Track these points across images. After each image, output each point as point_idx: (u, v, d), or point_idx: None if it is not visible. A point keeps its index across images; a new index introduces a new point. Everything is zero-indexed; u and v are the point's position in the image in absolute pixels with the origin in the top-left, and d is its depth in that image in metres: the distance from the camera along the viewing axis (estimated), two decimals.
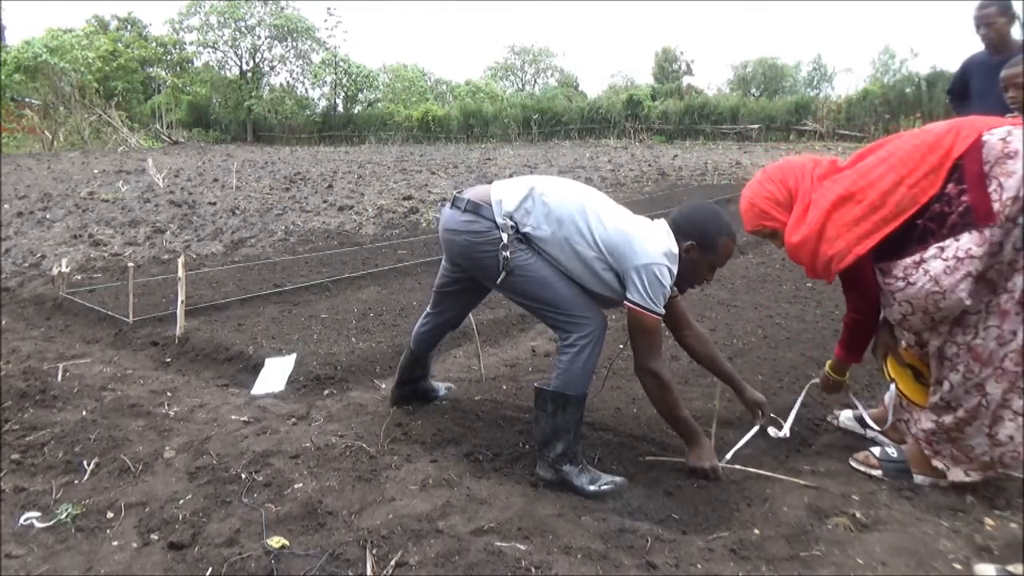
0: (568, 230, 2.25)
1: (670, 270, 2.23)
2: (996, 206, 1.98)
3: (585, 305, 2.27)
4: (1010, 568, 1.80)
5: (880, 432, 2.54)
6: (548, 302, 2.28)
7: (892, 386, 2.34)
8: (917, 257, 2.10)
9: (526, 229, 2.28)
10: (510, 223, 2.27)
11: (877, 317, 2.32)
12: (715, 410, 2.43)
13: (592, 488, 2.22)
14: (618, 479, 2.27)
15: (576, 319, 2.25)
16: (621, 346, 3.44)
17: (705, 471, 2.30)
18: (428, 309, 2.74)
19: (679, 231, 2.30)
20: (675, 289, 2.62)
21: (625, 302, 2.23)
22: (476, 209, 2.31)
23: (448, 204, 2.43)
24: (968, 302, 2.03)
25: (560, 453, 2.25)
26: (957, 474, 2.22)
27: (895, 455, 2.35)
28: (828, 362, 2.55)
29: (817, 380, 2.66)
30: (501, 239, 2.25)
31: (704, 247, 2.31)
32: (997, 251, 2.01)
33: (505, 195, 2.32)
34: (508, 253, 2.23)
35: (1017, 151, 1.98)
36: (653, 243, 2.23)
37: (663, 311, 2.23)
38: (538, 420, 2.30)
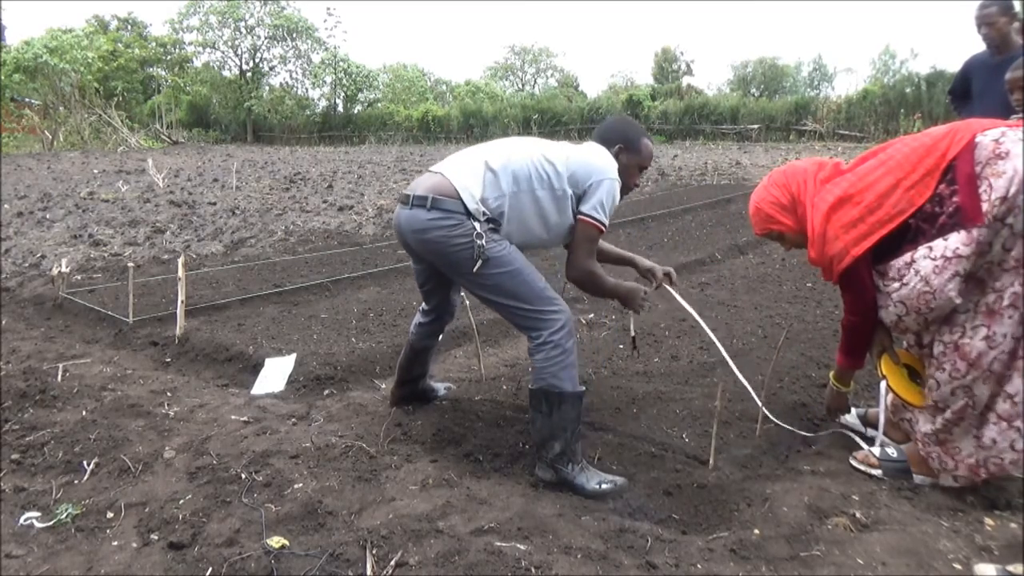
0: (528, 183, 2.33)
1: (619, 186, 2.43)
2: (985, 206, 1.98)
3: (551, 298, 2.29)
4: (1010, 568, 1.80)
5: (877, 434, 2.54)
6: (518, 296, 2.27)
7: (883, 384, 2.35)
8: (908, 257, 2.11)
9: (496, 203, 2.30)
10: (482, 209, 2.27)
11: (874, 319, 2.32)
12: (715, 410, 2.43)
13: (592, 488, 2.22)
14: (618, 479, 2.27)
15: (545, 315, 2.26)
16: (621, 346, 3.45)
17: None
18: (424, 306, 2.76)
19: (606, 141, 2.50)
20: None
21: (578, 214, 2.37)
22: (439, 204, 2.26)
23: (402, 205, 2.36)
24: (958, 301, 2.05)
25: (558, 453, 2.25)
26: (946, 479, 2.23)
27: (895, 455, 2.36)
28: (831, 373, 2.54)
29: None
30: (475, 228, 2.24)
31: (630, 149, 2.53)
32: (986, 251, 2.01)
33: (467, 181, 2.30)
34: (483, 242, 2.23)
35: (1008, 152, 1.99)
36: (604, 160, 2.42)
37: (608, 225, 2.38)
38: (534, 421, 2.30)
